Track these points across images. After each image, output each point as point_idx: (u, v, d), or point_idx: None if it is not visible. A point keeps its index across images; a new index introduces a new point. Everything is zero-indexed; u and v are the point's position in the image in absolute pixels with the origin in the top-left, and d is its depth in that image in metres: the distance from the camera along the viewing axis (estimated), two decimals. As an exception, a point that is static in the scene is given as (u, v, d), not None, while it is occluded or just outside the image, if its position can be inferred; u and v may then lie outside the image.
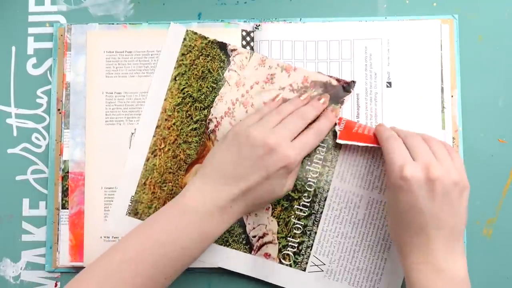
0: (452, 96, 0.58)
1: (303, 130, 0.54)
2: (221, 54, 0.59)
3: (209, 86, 0.58)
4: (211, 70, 0.58)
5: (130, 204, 0.58)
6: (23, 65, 0.61)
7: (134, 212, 0.58)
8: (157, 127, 0.59)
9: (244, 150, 0.51)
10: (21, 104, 0.61)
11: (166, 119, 0.59)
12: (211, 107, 0.58)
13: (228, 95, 0.58)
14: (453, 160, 0.49)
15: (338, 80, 0.57)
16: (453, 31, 0.58)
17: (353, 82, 0.57)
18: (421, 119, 0.57)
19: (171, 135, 0.58)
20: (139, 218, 0.58)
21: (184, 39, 0.59)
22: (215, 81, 0.58)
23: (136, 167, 0.58)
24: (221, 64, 0.59)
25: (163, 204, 0.58)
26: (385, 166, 0.53)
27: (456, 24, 0.58)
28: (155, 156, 0.58)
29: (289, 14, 0.60)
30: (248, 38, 0.59)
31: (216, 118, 0.58)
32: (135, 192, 0.58)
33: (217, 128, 0.58)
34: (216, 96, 0.58)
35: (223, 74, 0.59)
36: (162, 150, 0.58)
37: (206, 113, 0.58)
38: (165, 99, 0.59)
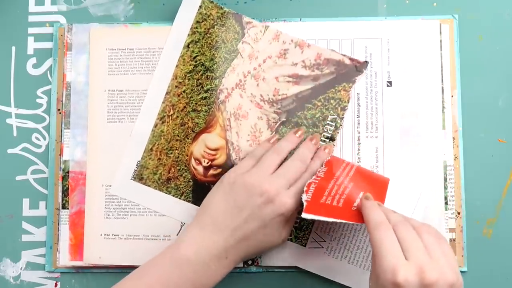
0: (452, 96, 0.58)
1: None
2: (236, 26, 0.58)
3: (221, 56, 0.58)
4: (225, 40, 0.58)
5: (136, 168, 0.58)
6: (23, 65, 0.61)
7: (139, 177, 0.58)
8: (167, 93, 0.58)
9: (240, 200, 0.50)
10: (21, 104, 0.61)
11: (176, 86, 0.58)
12: (223, 77, 0.58)
13: (241, 67, 0.58)
14: (444, 254, 0.44)
15: (351, 59, 0.57)
16: (453, 31, 0.58)
17: (366, 62, 0.57)
18: (421, 119, 0.57)
19: (181, 103, 0.58)
20: (144, 184, 0.58)
21: (200, 6, 0.59)
22: (228, 52, 0.58)
23: (144, 133, 0.58)
24: (235, 36, 0.58)
25: (168, 171, 0.58)
26: (372, 256, 0.45)
27: (456, 24, 0.58)
28: (163, 122, 0.58)
29: (289, 14, 0.60)
30: (248, 38, 0.59)
31: (227, 89, 0.58)
32: (142, 158, 0.58)
33: (227, 99, 0.58)
34: (228, 67, 0.58)
35: (236, 46, 0.58)
36: (170, 117, 0.58)
37: (217, 83, 0.58)
38: (176, 66, 0.58)
